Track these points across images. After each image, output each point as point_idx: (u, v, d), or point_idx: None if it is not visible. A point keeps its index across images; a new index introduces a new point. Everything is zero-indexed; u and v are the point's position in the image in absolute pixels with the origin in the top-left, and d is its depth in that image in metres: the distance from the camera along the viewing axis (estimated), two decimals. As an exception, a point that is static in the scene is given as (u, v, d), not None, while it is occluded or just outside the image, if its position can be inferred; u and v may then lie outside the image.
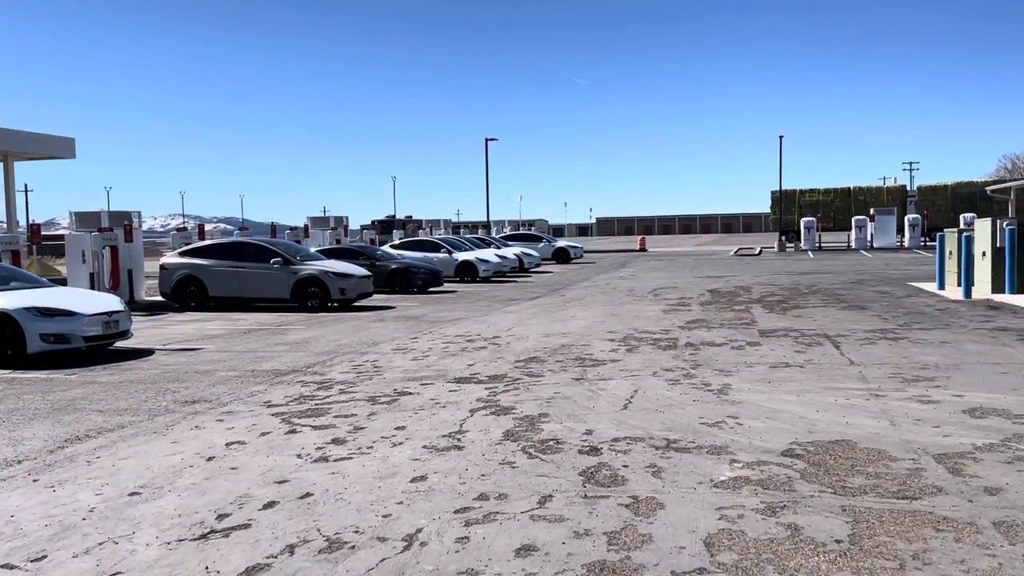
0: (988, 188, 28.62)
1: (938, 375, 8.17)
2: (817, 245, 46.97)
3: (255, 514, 4.66)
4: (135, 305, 19.07)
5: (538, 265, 34.52)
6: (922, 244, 44.76)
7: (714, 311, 15.46)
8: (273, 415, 7.26)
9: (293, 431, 6.62)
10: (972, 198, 50.90)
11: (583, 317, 15.03)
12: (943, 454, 5.40)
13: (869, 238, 46.02)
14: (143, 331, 14.58)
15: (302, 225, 27.34)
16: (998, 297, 15.43)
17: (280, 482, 5.25)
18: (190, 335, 13.73)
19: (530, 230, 50.63)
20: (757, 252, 45.63)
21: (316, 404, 7.69)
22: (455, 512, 4.56)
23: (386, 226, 66.94)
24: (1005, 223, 15.98)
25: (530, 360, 9.96)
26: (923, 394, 7.28)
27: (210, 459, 5.85)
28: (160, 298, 19.09)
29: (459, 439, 6.15)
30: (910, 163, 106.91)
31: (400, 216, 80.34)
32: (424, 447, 5.96)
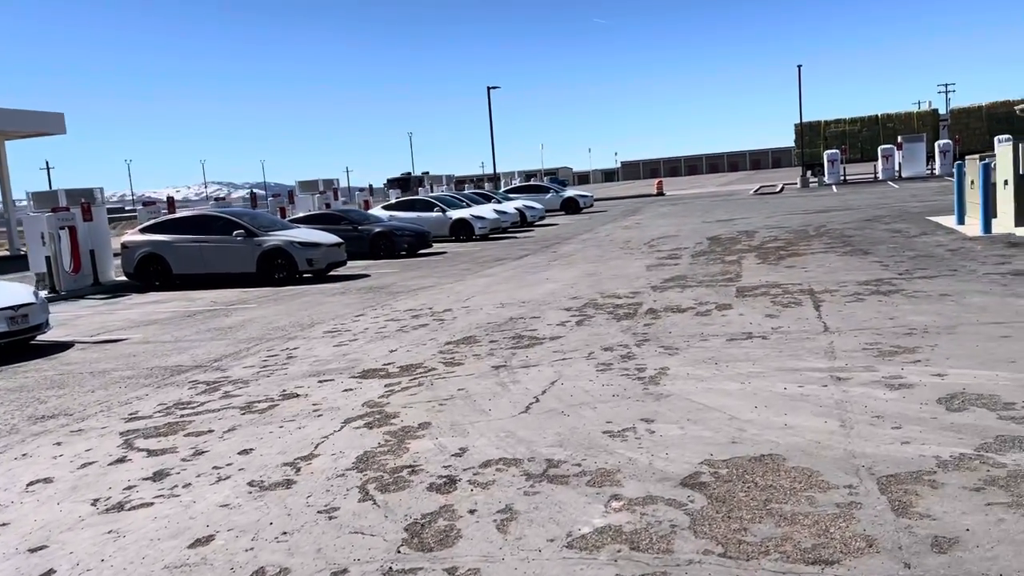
0: (1018, 107, 26.25)
1: (923, 344, 6.77)
2: (842, 179, 44.61)
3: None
4: (99, 287, 18.25)
5: (542, 218, 33.01)
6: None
7: (702, 264, 14.05)
8: (122, 433, 6.18)
9: (123, 459, 5.53)
10: (1010, 118, 47.65)
11: (558, 279, 13.75)
12: (893, 476, 4.10)
13: (897, 168, 43.51)
14: (87, 318, 13.70)
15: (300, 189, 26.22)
16: (1021, 231, 13.73)
17: (35, 549, 4.15)
18: (130, 321, 12.77)
19: (542, 181, 48.83)
20: (779, 190, 43.50)
21: (183, 415, 6.60)
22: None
23: (403, 184, 65.73)
24: (1029, 147, 14.16)
25: (462, 341, 8.75)
26: (896, 374, 5.92)
27: (-7, 508, 4.79)
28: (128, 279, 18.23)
29: (300, 469, 5.00)
30: (945, 85, 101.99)
31: (418, 173, 79.00)
32: (250, 483, 4.82)
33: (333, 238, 18.11)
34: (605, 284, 12.59)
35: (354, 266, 19.66)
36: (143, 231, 18.19)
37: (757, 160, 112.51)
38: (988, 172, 14.57)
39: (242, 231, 17.09)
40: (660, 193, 49.37)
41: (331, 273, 18.17)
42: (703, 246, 17.41)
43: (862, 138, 54.44)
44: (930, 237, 14.98)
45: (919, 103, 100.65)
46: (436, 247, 24.05)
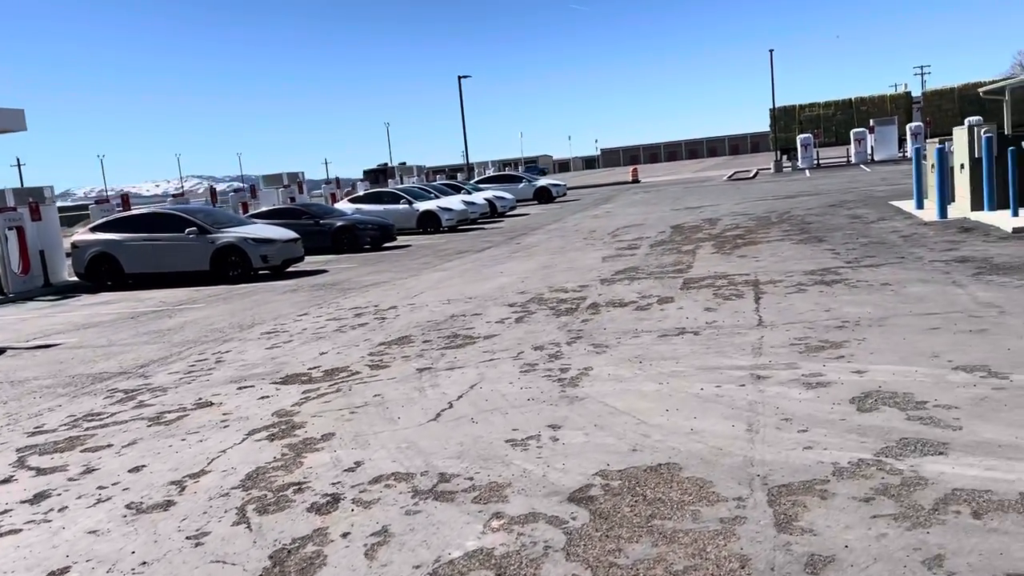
0: (981, 90, 26.23)
1: (852, 338, 6.61)
2: (815, 163, 44.65)
3: None
4: (50, 288, 17.83)
5: (513, 208, 32.74)
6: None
7: (658, 254, 13.88)
8: (19, 450, 5.91)
9: (8, 479, 5.26)
10: (981, 100, 47.72)
11: (512, 273, 13.53)
12: (785, 486, 3.93)
13: (870, 151, 43.57)
14: (30, 321, 13.34)
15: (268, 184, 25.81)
16: (976, 215, 13.64)
17: None
18: (72, 324, 12.43)
19: (516, 170, 48.51)
20: (752, 175, 43.46)
21: (88, 428, 6.33)
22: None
23: (378, 175, 65.16)
24: (983, 131, 14.06)
25: (396, 342, 8.52)
26: (817, 372, 5.76)
27: None
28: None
29: (185, 488, 4.77)
30: (921, 67, 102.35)
31: (395, 164, 78.41)
32: (129, 505, 4.58)
33: (289, 233, 17.79)
34: (557, 277, 12.39)
35: (315, 261, 19.37)
36: (93, 230, 17.77)
37: (736, 145, 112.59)
38: (944, 156, 14.47)
39: (195, 228, 16.71)
40: (635, 180, 49.21)
41: (289, 269, 17.87)
42: (664, 235, 17.25)
43: (836, 122, 54.32)
44: (887, 223, 14.89)
45: (895, 85, 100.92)
46: (402, 240, 23.78)
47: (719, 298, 9.10)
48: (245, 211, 25.61)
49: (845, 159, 45.21)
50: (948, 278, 8.78)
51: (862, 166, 40.99)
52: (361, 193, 28.73)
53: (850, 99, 55.66)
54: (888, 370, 5.61)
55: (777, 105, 56.09)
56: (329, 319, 10.57)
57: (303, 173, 27.91)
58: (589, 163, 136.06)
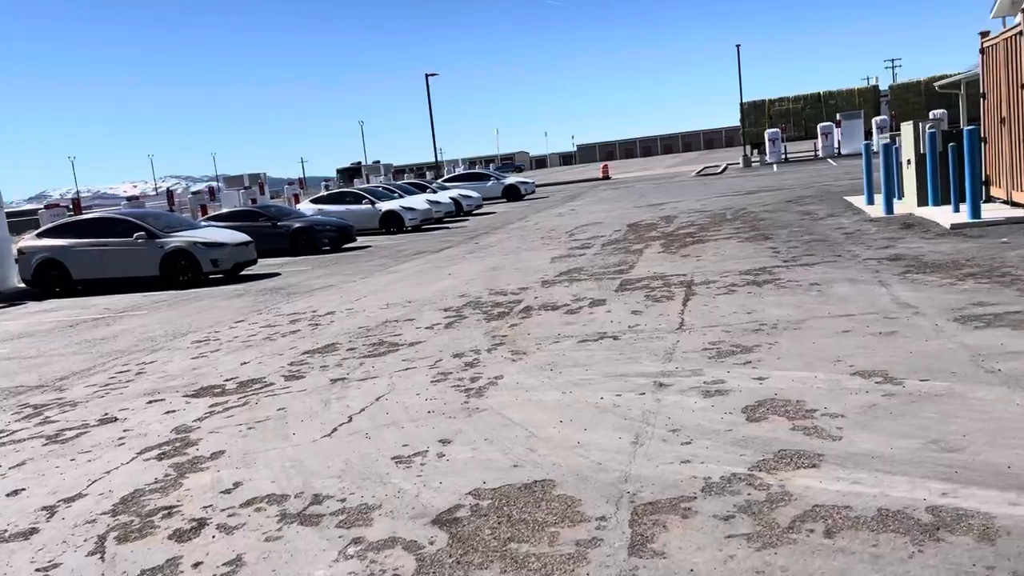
0: (937, 84, 26.42)
1: (765, 342, 6.56)
2: (783, 157, 44.86)
3: None
4: (-3, 296, 17.48)
5: (480, 206, 32.60)
6: (893, 146, 42.58)
7: (606, 255, 13.82)
8: (-95, 474, 5.73)
9: None
10: (947, 92, 48.26)
11: (460, 275, 13.41)
12: (652, 503, 3.84)
13: (837, 145, 43.82)
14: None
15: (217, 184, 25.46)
16: (921, 211, 13.69)
17: None
18: (8, 334, 12.15)
19: (489, 168, 48.33)
20: (721, 170, 43.61)
21: (-17, 448, 6.15)
22: None
23: (353, 173, 64.74)
24: (928, 126, 14.11)
25: (321, 350, 8.38)
26: (720, 379, 5.69)
27: None
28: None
29: (55, 513, 4.61)
30: (892, 60, 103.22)
31: (369, 162, 77.96)
32: (-8, 533, 4.43)
33: (241, 237, 17.54)
34: (502, 279, 12.29)
35: (270, 264, 19.14)
36: (40, 236, 17.44)
37: (711, 140, 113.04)
38: (890, 152, 14.51)
39: (143, 233, 16.44)
40: (606, 177, 49.21)
41: (244, 272, 17.66)
42: (619, 234, 17.21)
43: (806, 116, 54.66)
44: (835, 219, 14.92)
45: (868, 79, 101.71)
46: (364, 240, 23.58)
47: (650, 300, 9.04)
48: (204, 214, 25.33)
49: (813, 153, 45.45)
50: (876, 277, 8.77)
51: (829, 160, 41.26)
52: (323, 194, 28.46)
53: (819, 93, 56.01)
54: (789, 376, 5.56)
55: (748, 100, 56.38)
56: (264, 326, 10.40)
57: (264, 174, 27.62)
58: (566, 159, 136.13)
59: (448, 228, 25.70)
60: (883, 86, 59.54)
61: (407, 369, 7.12)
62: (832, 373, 5.51)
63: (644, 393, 5.57)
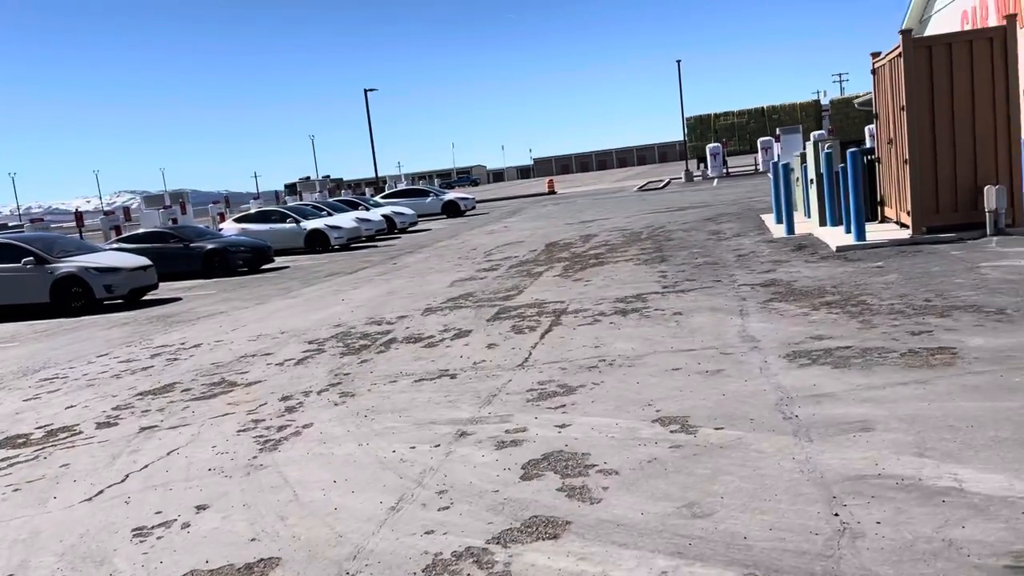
0: (856, 102, 26.78)
1: (592, 381, 6.25)
2: (725, 171, 45.23)
3: None
4: None
5: (415, 224, 32.15)
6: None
7: (506, 277, 13.50)
8: None
9: None
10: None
11: (353, 300, 12.98)
12: (363, 587, 3.47)
13: (777, 159, 44.28)
14: None
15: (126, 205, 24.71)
16: (819, 232, 13.61)
17: None
18: None
19: (430, 184, 47.94)
20: (662, 186, 43.80)
21: None
22: None
23: (308, 188, 63.81)
24: (827, 145, 14.10)
25: (157, 391, 7.88)
26: (523, 426, 5.36)
27: None
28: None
29: None
30: (840, 75, 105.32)
31: (318, 177, 77.05)
32: None
33: (140, 260, 16.88)
34: (390, 305, 11.89)
35: (177, 287, 18.50)
36: (-77, 262, 16.59)
37: (665, 153, 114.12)
38: (788, 172, 14.47)
39: (31, 258, 15.72)
40: (551, 192, 49.14)
41: (146, 297, 17.01)
42: (533, 254, 16.93)
43: (750, 130, 55.26)
44: (740, 239, 14.80)
45: (818, 93, 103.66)
46: (287, 260, 23.02)
47: (513, 331, 8.71)
48: (119, 235, 24.53)
49: (754, 168, 45.91)
50: (740, 306, 8.55)
51: (768, 174, 41.64)
52: (247, 212, 27.78)
53: (762, 108, 56.78)
54: (591, 423, 5.24)
55: (695, 114, 56.91)
56: (123, 361, 9.85)
57: (187, 193, 26.85)
58: (524, 172, 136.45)
59: (376, 247, 25.24)
60: (820, 101, 60.47)
61: (224, 415, 6.67)
62: (634, 420, 5.21)
63: (439, 445, 5.21)
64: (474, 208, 39.40)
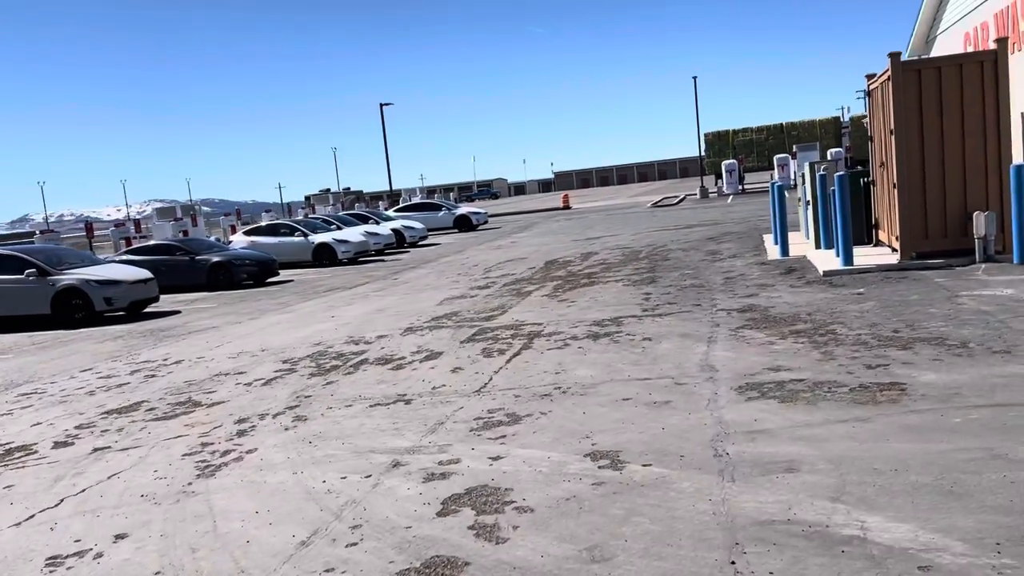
0: (863, 122, 26.41)
1: (540, 410, 6.18)
2: (740, 188, 44.91)
3: None
4: None
5: (424, 238, 32.27)
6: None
7: (495, 296, 13.47)
8: None
9: None
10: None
11: (343, 317, 13.02)
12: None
13: (793, 176, 43.91)
14: None
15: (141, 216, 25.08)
16: (813, 254, 13.42)
17: None
18: None
19: (441, 198, 48.12)
20: (676, 202, 43.57)
21: None
22: None
23: (321, 201, 64.46)
24: (822, 167, 13.94)
25: (124, 410, 7.92)
26: (457, 458, 5.30)
27: None
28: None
29: None
30: (862, 91, 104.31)
31: (339, 189, 77.77)
32: None
33: (141, 273, 17.08)
34: (374, 324, 11.90)
35: (179, 300, 18.70)
36: (-72, 273, 16.92)
37: (686, 168, 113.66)
38: (782, 194, 14.31)
39: (34, 270, 15.98)
40: (566, 207, 49.10)
41: (147, 310, 17.20)
42: (531, 272, 16.89)
43: (769, 146, 54.90)
44: (734, 260, 14.65)
45: (841, 109, 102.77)
46: (293, 274, 23.18)
47: (482, 355, 8.66)
48: (128, 246, 24.87)
49: (770, 185, 45.56)
50: (710, 333, 8.43)
51: (785, 192, 41.25)
52: (257, 225, 28.06)
53: (781, 124, 56.42)
54: (525, 455, 5.17)
55: (714, 129, 56.70)
56: (102, 376, 9.95)
57: (199, 206, 27.19)
58: (545, 186, 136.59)
59: (384, 261, 25.36)
60: (840, 118, 59.96)
61: (178, 437, 6.69)
62: (567, 453, 5.13)
63: (370, 476, 5.17)
64: (486, 222, 39.46)
